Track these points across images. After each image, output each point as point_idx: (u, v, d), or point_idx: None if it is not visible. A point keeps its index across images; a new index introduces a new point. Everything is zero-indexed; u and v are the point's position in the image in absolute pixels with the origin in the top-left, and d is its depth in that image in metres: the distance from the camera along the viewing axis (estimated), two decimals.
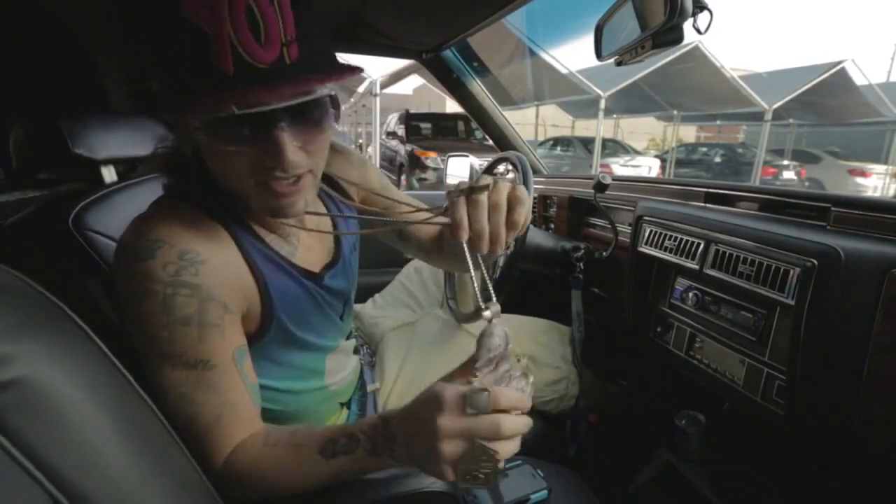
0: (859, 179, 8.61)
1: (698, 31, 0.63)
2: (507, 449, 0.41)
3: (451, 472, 0.41)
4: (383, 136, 8.54)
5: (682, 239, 0.90)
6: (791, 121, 10.89)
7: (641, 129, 15.85)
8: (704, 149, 11.36)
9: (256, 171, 0.48)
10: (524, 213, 0.49)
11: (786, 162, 9.83)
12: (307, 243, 0.66)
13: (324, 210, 0.69)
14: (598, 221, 1.33)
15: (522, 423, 0.43)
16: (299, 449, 0.50)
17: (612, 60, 0.83)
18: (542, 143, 11.83)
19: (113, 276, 0.52)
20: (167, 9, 0.41)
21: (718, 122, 13.93)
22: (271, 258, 0.59)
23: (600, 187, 1.10)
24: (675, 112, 11.62)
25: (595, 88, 8.81)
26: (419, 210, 0.63)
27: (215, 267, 0.51)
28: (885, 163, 9.24)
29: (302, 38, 0.44)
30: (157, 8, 0.42)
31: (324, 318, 0.67)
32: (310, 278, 0.63)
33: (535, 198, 0.95)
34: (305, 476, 0.50)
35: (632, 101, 10.88)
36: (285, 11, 0.42)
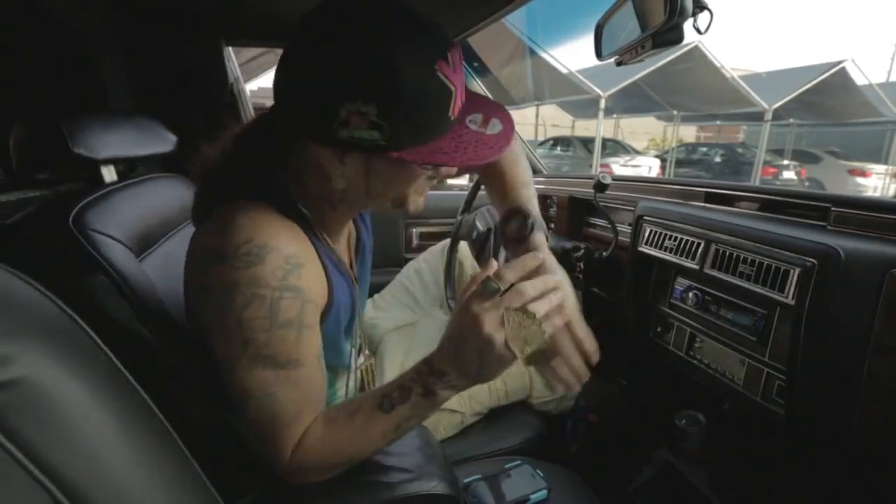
0: (859, 179, 8.61)
1: (698, 31, 0.63)
2: (542, 307, 0.48)
3: (512, 351, 0.47)
4: None
5: (682, 239, 0.90)
6: (791, 121, 10.90)
7: (641, 129, 15.85)
8: (704, 149, 11.37)
9: (422, 185, 0.57)
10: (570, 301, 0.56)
11: (786, 162, 9.84)
12: (342, 253, 0.68)
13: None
14: (598, 221, 1.33)
15: (542, 282, 0.49)
16: (358, 414, 0.53)
17: (612, 60, 0.83)
18: (542, 143, 11.84)
19: (195, 281, 0.53)
20: (425, 70, 0.46)
21: (718, 122, 13.93)
22: (333, 261, 0.61)
23: (600, 187, 1.10)
24: (675, 112, 11.62)
25: (595, 88, 8.81)
26: None
27: (311, 269, 0.54)
28: (885, 163, 9.24)
29: None
30: (412, 71, 0.46)
31: (349, 324, 0.69)
32: (353, 283, 0.66)
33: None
34: (371, 436, 0.53)
35: (632, 101, 10.88)
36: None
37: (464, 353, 0.49)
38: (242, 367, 0.50)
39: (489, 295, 0.47)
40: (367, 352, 1.06)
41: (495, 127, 0.53)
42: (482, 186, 1.17)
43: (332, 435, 0.53)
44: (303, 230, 0.56)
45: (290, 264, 0.50)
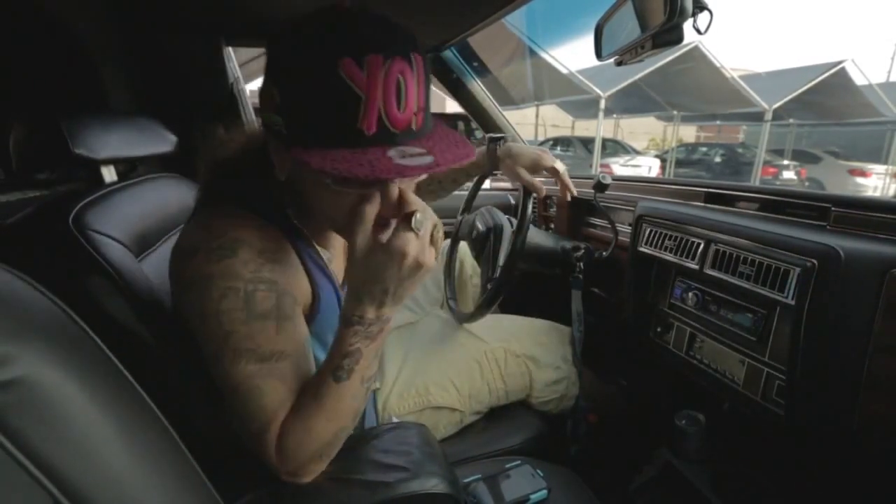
0: (859, 179, 8.61)
1: (698, 31, 0.63)
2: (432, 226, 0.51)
3: (427, 255, 0.50)
4: None
5: (682, 239, 0.90)
6: (791, 121, 10.88)
7: (641, 129, 15.84)
8: (704, 149, 11.36)
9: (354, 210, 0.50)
10: None
11: (786, 162, 9.83)
12: (338, 258, 0.70)
13: None
14: (598, 221, 1.33)
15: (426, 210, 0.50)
16: (321, 394, 0.53)
17: (612, 60, 0.83)
18: (542, 143, 11.83)
19: (176, 278, 0.55)
20: (325, 65, 0.43)
21: (718, 122, 13.92)
22: (319, 265, 0.62)
23: (600, 187, 1.10)
24: (675, 112, 11.61)
25: (595, 88, 8.81)
26: None
27: (287, 267, 0.56)
28: (885, 163, 9.23)
29: (426, 106, 0.49)
30: (313, 62, 0.44)
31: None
32: (340, 289, 0.66)
33: (535, 197, 0.95)
34: (345, 406, 0.53)
35: (632, 101, 10.88)
36: (421, 85, 0.47)
37: (400, 292, 0.52)
38: (227, 361, 0.51)
39: (417, 228, 0.49)
40: None
41: (423, 159, 0.47)
42: (482, 187, 1.16)
43: (306, 423, 0.53)
44: (287, 237, 0.57)
45: (263, 258, 0.52)
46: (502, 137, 0.96)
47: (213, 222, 0.53)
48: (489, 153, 0.95)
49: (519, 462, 0.79)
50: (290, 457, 0.52)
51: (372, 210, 0.49)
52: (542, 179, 1.61)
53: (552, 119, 13.61)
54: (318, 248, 0.64)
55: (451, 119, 8.42)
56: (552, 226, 1.49)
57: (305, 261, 0.59)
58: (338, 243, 0.70)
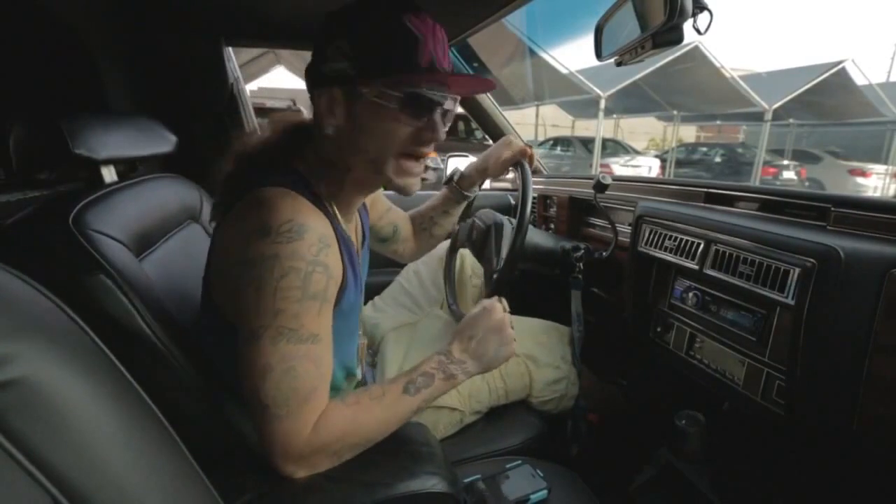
0: (859, 179, 8.60)
1: (698, 31, 0.63)
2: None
3: (508, 327, 0.72)
4: None
5: (682, 239, 0.90)
6: (791, 121, 10.88)
7: (641, 129, 15.84)
8: (704, 149, 11.34)
9: (410, 142, 0.61)
10: None
11: (786, 162, 9.82)
12: (351, 232, 0.73)
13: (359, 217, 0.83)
14: (598, 221, 1.33)
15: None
16: (384, 397, 0.60)
17: (612, 60, 0.83)
18: (542, 143, 11.83)
19: (232, 258, 0.57)
20: (393, 13, 0.56)
21: (718, 122, 13.91)
22: (347, 245, 0.66)
23: (600, 187, 1.10)
24: (675, 112, 11.61)
25: (595, 88, 8.81)
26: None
27: (334, 250, 0.60)
28: (885, 163, 9.22)
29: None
30: (384, 9, 0.57)
31: (356, 309, 0.74)
32: (360, 269, 0.71)
33: (534, 198, 0.95)
34: (396, 416, 0.61)
35: (632, 101, 10.87)
36: (447, 45, 0.62)
37: (483, 345, 0.69)
38: (266, 340, 0.53)
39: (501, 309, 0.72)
40: (368, 351, 1.06)
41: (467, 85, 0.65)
42: (482, 187, 1.16)
43: (357, 415, 0.57)
44: (327, 216, 0.61)
45: (322, 243, 0.57)
46: (453, 172, 1.04)
47: (276, 204, 0.55)
48: (451, 190, 1.02)
49: (519, 462, 0.79)
50: (321, 439, 0.54)
51: (498, 305, 0.73)
52: (542, 180, 1.61)
53: (552, 119, 13.60)
54: (343, 222, 0.67)
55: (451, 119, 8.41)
56: (552, 226, 1.49)
57: (341, 247, 0.63)
58: (351, 225, 0.73)
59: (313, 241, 0.55)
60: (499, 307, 0.71)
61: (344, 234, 0.65)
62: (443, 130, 0.63)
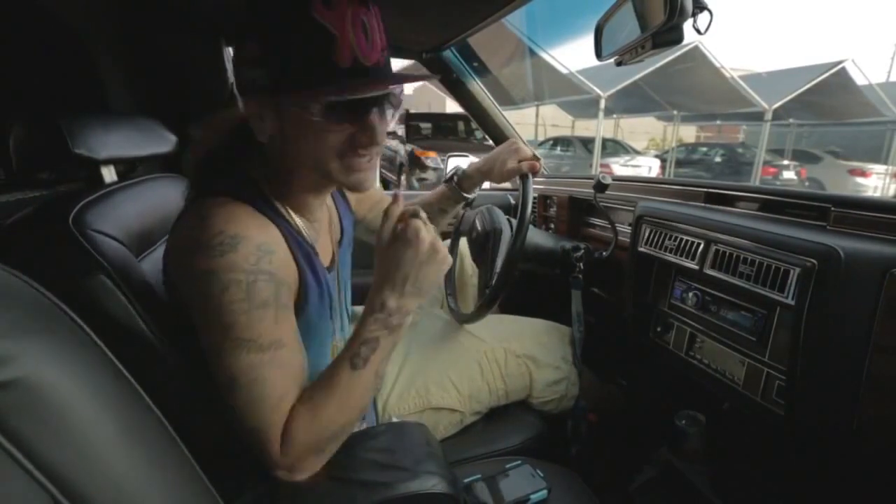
0: (859, 179, 8.59)
1: (698, 31, 0.63)
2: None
3: (440, 243, 0.58)
4: None
5: (682, 239, 0.90)
6: (791, 121, 10.88)
7: (641, 129, 15.85)
8: (704, 149, 11.34)
9: (346, 146, 0.57)
10: None
11: (786, 162, 9.82)
12: (322, 237, 0.71)
13: (333, 205, 0.80)
14: (598, 221, 1.33)
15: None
16: (334, 384, 0.55)
17: (612, 60, 0.83)
18: (542, 143, 11.83)
19: (178, 274, 0.57)
20: (298, 10, 0.50)
21: (718, 122, 13.91)
22: (303, 248, 0.63)
23: (600, 187, 1.10)
24: (675, 112, 11.61)
25: (595, 88, 8.81)
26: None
27: (280, 255, 0.57)
28: (885, 163, 9.22)
29: (387, 47, 0.56)
30: (287, 8, 0.50)
31: (324, 312, 0.69)
32: (324, 270, 0.67)
33: (535, 198, 0.95)
34: (356, 396, 0.56)
35: (632, 101, 10.88)
36: (380, 24, 0.54)
37: (420, 280, 0.57)
38: (227, 353, 0.52)
39: (424, 220, 0.57)
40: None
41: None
42: (482, 188, 1.16)
43: (316, 412, 0.54)
44: (273, 221, 0.59)
45: (262, 251, 0.54)
46: (455, 171, 1.02)
47: (210, 217, 0.53)
48: (451, 189, 1.00)
49: (519, 462, 0.79)
50: (293, 446, 0.53)
51: (396, 209, 0.59)
52: (542, 180, 1.61)
53: (552, 119, 13.60)
54: (302, 225, 0.64)
55: (451, 119, 8.44)
56: (552, 226, 1.49)
57: (294, 249, 0.60)
58: (322, 218, 0.71)
59: (250, 251, 0.53)
60: (421, 228, 0.56)
61: (299, 237, 0.62)
62: (382, 131, 0.58)
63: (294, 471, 0.54)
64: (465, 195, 1.01)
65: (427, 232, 0.56)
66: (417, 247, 0.55)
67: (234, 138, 0.63)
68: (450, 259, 0.59)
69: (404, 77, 0.58)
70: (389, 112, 0.60)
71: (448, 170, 1.20)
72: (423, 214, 0.58)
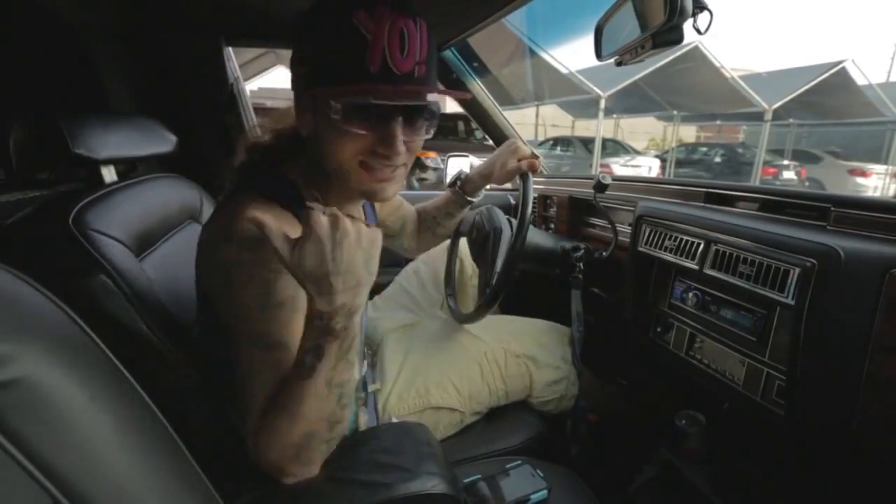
0: (859, 179, 8.59)
1: (698, 31, 0.63)
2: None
3: (345, 223, 0.50)
4: None
5: (682, 239, 0.90)
6: (791, 121, 10.88)
7: (641, 129, 15.83)
8: (704, 149, 11.34)
9: (367, 153, 0.58)
10: None
11: (786, 162, 9.82)
12: None
13: (362, 213, 0.81)
14: (598, 221, 1.33)
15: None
16: (285, 392, 0.52)
17: (612, 60, 0.83)
18: (542, 143, 11.82)
19: (206, 265, 0.58)
20: (340, 13, 0.52)
21: (718, 122, 13.91)
22: None
23: (600, 187, 1.10)
24: (675, 112, 11.61)
25: (595, 88, 8.81)
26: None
27: None
28: (885, 163, 9.21)
29: (427, 62, 0.57)
30: (331, 11, 0.53)
31: None
32: None
33: (535, 198, 0.95)
34: (309, 405, 0.52)
35: (632, 101, 10.87)
36: (423, 38, 0.55)
37: (349, 276, 0.50)
38: (240, 343, 0.54)
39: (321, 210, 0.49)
40: (367, 351, 1.06)
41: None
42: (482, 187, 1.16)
43: (271, 422, 0.52)
44: (297, 216, 0.59)
45: None
46: (458, 175, 1.04)
47: (244, 212, 0.54)
48: (455, 194, 1.02)
49: (519, 462, 0.79)
50: (263, 454, 0.53)
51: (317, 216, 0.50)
52: (542, 179, 1.61)
53: (552, 119, 13.60)
54: None
55: (452, 119, 8.44)
56: (552, 226, 1.49)
57: None
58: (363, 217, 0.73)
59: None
60: (311, 215, 0.48)
61: None
62: (400, 142, 0.57)
63: (279, 474, 0.54)
64: (469, 199, 1.02)
65: (350, 226, 0.49)
66: (319, 236, 0.47)
67: (287, 139, 0.66)
68: (374, 232, 0.52)
69: (431, 88, 0.58)
70: (424, 125, 0.60)
71: (448, 170, 1.21)
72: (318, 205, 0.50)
